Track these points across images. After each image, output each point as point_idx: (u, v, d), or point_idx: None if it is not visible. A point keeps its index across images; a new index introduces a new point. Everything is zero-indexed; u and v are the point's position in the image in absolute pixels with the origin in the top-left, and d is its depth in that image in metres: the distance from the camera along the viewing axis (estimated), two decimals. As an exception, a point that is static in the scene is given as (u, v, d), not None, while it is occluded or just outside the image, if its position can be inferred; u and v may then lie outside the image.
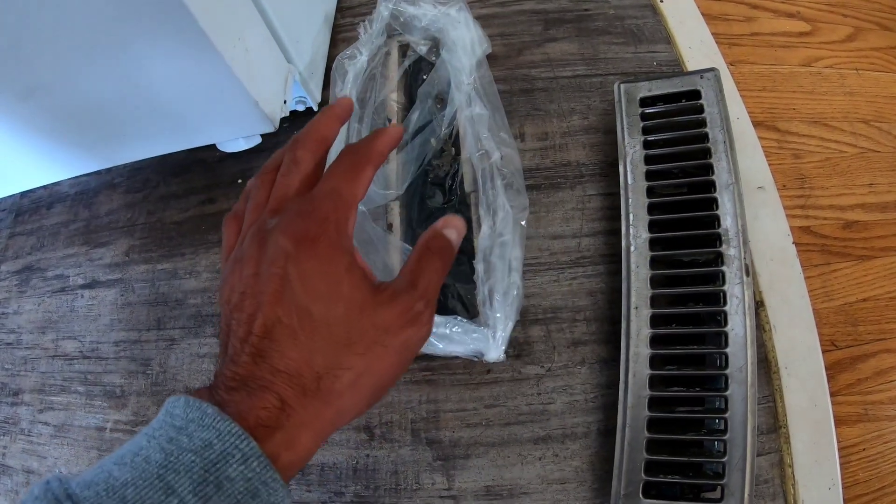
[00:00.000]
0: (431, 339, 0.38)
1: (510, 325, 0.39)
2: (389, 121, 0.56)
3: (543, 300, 0.49)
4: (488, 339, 0.38)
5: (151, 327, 0.56)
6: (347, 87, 0.52)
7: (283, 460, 0.22)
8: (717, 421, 0.44)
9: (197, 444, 0.20)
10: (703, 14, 0.66)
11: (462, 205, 0.51)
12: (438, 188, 0.50)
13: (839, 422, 0.52)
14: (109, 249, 0.61)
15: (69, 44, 0.43)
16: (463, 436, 0.47)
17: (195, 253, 0.58)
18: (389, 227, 0.47)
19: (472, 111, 0.48)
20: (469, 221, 0.50)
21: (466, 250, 0.49)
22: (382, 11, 0.59)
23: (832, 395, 0.51)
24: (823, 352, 0.52)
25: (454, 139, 0.52)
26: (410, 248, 0.44)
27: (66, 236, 0.64)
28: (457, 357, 0.48)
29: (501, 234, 0.41)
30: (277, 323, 0.23)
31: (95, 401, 0.55)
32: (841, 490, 0.47)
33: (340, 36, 0.67)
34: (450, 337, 0.38)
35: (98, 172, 0.66)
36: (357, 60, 0.54)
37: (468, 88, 0.51)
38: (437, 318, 0.39)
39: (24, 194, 0.69)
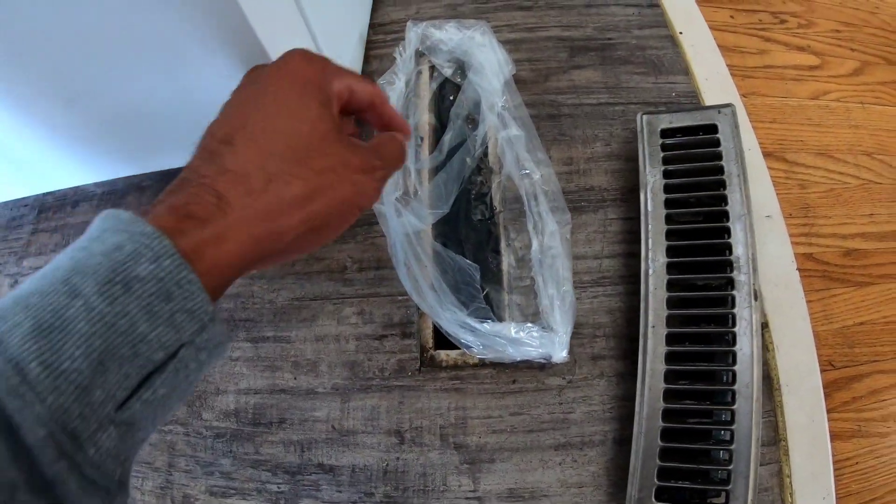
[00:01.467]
0: (506, 344, 0.43)
1: (569, 328, 0.44)
2: (422, 139, 0.60)
3: (566, 316, 0.54)
4: (554, 343, 0.43)
5: (190, 329, 0.60)
6: None
7: (207, 258, 0.21)
8: (723, 432, 0.49)
9: (108, 247, 0.19)
10: (718, 46, 0.70)
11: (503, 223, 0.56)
12: (481, 203, 0.55)
13: (834, 437, 0.56)
14: None
15: (120, 51, 0.42)
16: (489, 441, 0.51)
17: (233, 259, 0.62)
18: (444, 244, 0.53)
19: (508, 133, 0.53)
20: (495, 238, 0.54)
21: (494, 261, 0.53)
22: (412, 37, 0.63)
23: (828, 411, 0.56)
24: (822, 371, 0.57)
25: (489, 155, 0.57)
26: (467, 261, 0.49)
27: (98, 237, 0.67)
28: (484, 366, 0.52)
29: (551, 248, 0.46)
30: (240, 128, 0.24)
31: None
32: (835, 501, 0.51)
33: (372, 53, 0.70)
34: (521, 341, 0.44)
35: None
36: (396, 86, 0.58)
37: (500, 110, 0.56)
38: (509, 326, 0.44)
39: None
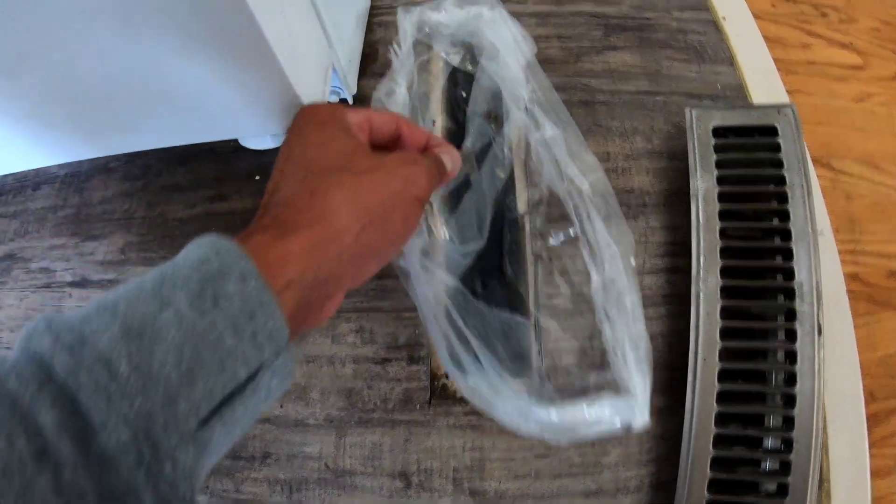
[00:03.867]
0: (582, 428, 0.32)
1: (648, 382, 0.33)
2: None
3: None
4: (633, 409, 0.32)
5: (152, 340, 0.48)
6: None
7: (279, 278, 0.21)
8: (778, 485, 0.41)
9: (194, 260, 0.19)
10: (762, 36, 0.60)
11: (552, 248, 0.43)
12: (518, 226, 0.41)
13: (872, 474, 0.50)
14: (102, 244, 0.51)
15: (67, 7, 0.33)
16: (510, 487, 0.42)
17: (205, 258, 0.50)
18: (473, 292, 0.39)
19: (542, 133, 0.41)
20: (537, 269, 0.41)
21: (515, 292, 0.42)
22: (406, 27, 0.47)
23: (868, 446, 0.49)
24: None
25: (525, 165, 0.43)
26: (517, 318, 0.36)
27: (53, 224, 0.53)
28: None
29: (614, 280, 0.35)
30: (282, 178, 0.25)
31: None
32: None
33: (377, 20, 0.58)
34: (598, 420, 0.32)
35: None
36: (396, 95, 0.44)
37: (528, 103, 0.43)
38: (581, 408, 0.32)
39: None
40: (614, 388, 0.33)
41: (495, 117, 0.46)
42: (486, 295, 0.37)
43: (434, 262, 0.34)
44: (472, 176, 0.42)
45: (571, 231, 0.38)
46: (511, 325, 0.35)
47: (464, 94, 0.48)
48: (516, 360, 0.35)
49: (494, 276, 0.39)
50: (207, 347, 0.18)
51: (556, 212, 0.40)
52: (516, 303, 0.39)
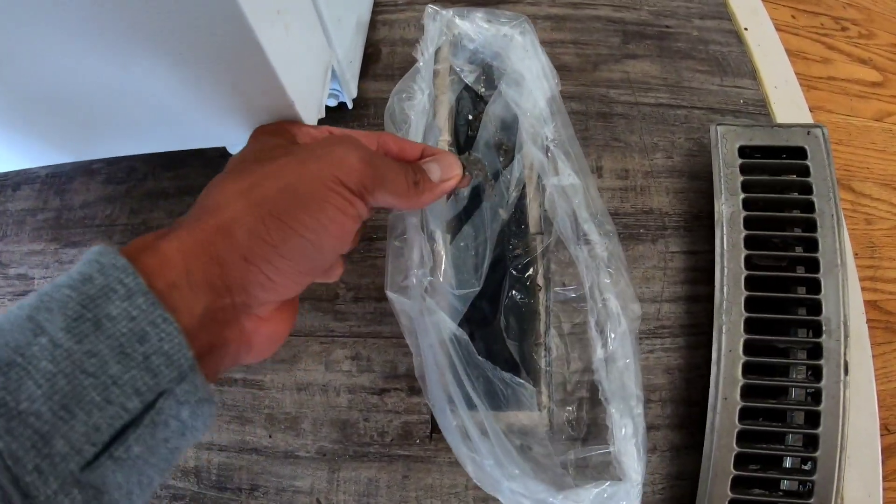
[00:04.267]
0: None
1: (643, 466, 0.30)
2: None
3: (616, 375, 0.41)
4: (630, 495, 0.29)
5: (130, 360, 0.44)
6: (415, 140, 0.37)
7: (159, 280, 0.18)
8: (797, 531, 0.38)
9: (75, 278, 0.17)
10: (784, 48, 0.57)
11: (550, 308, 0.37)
12: (521, 277, 0.36)
13: (884, 509, 0.48)
14: (82, 251, 0.46)
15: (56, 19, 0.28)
16: (515, 529, 0.39)
17: (191, 271, 0.45)
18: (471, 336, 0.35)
19: (560, 181, 0.36)
20: (537, 329, 0.35)
21: (536, 361, 0.36)
22: (432, 30, 0.42)
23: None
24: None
25: (532, 207, 0.37)
26: (514, 376, 0.33)
27: (32, 227, 0.49)
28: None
29: (617, 356, 0.31)
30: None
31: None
32: None
33: (381, 17, 0.53)
34: None
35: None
36: (417, 101, 0.39)
37: (550, 144, 0.38)
38: (590, 490, 0.29)
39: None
40: (609, 466, 0.31)
41: (505, 150, 0.41)
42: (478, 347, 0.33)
43: (436, 303, 0.31)
44: (470, 208, 0.38)
45: (580, 290, 0.34)
46: (513, 387, 0.31)
47: (470, 117, 0.44)
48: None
49: (485, 328, 0.35)
50: (87, 377, 0.16)
51: (563, 259, 0.36)
52: (511, 362, 0.35)
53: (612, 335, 0.32)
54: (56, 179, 0.50)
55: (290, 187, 0.21)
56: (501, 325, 0.35)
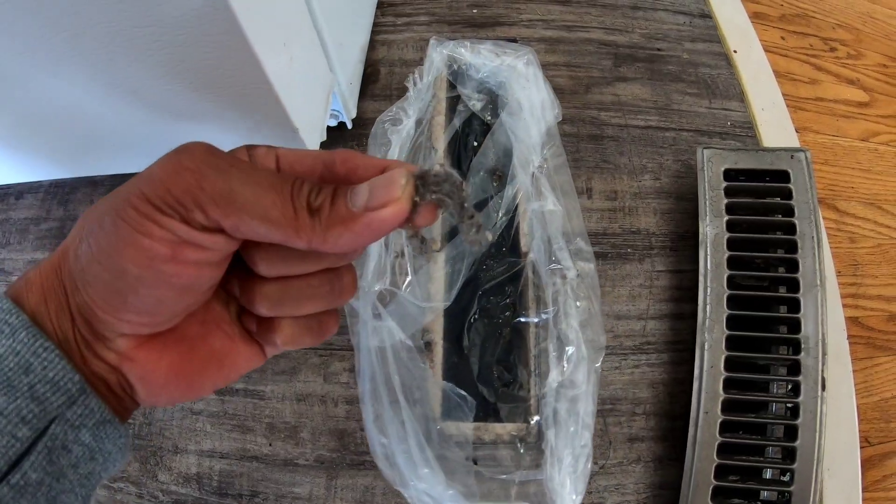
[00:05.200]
0: None
1: (579, 500, 0.31)
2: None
3: (603, 389, 0.43)
4: None
5: (137, 369, 0.45)
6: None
7: (28, 307, 0.18)
8: (775, 540, 0.40)
9: None
10: (772, 70, 0.59)
11: (518, 329, 0.38)
12: (494, 299, 0.38)
13: (863, 519, 0.49)
14: None
15: (48, 29, 0.30)
16: (504, 536, 0.40)
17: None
18: (428, 346, 0.35)
19: (542, 205, 0.38)
20: (525, 353, 0.37)
21: (500, 382, 0.38)
22: (434, 58, 0.44)
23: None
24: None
25: (514, 232, 0.40)
26: (455, 387, 0.34)
27: (35, 236, 0.51)
28: (504, 444, 0.40)
29: (574, 385, 0.32)
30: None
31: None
32: None
33: (380, 38, 0.55)
34: None
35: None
36: (403, 126, 0.40)
37: (536, 170, 0.40)
38: None
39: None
40: (540, 494, 0.32)
41: (499, 176, 0.43)
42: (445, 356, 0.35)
43: (388, 307, 0.32)
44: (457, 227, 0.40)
45: (544, 315, 0.35)
46: (456, 399, 0.33)
47: (475, 144, 0.45)
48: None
49: (451, 340, 0.37)
50: None
51: (537, 283, 0.37)
52: (461, 377, 0.37)
53: (568, 363, 0.33)
54: (59, 190, 0.52)
55: (102, 204, 0.18)
56: (465, 341, 0.36)
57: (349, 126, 0.49)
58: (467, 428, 0.37)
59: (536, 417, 0.37)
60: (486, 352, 0.37)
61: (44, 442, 0.17)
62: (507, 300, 0.37)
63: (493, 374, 0.36)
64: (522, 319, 0.36)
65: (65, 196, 0.52)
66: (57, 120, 0.38)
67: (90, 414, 0.18)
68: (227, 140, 0.39)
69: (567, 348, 0.33)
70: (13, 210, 0.53)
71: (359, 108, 0.50)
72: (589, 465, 0.32)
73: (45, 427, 0.17)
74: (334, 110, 0.48)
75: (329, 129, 0.49)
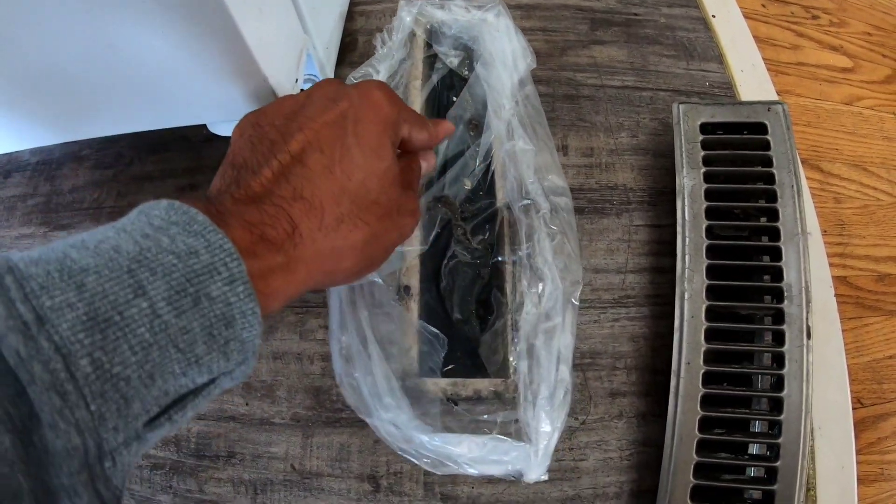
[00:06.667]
0: (463, 462, 0.29)
1: (556, 435, 0.30)
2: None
3: (582, 343, 0.41)
4: (528, 458, 0.29)
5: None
6: None
7: (272, 287, 0.19)
8: (763, 493, 0.38)
9: (181, 247, 0.16)
10: (752, 35, 0.58)
11: (496, 268, 0.38)
12: (474, 240, 0.37)
13: (858, 480, 0.47)
14: (71, 234, 0.48)
15: None
16: (483, 492, 0.39)
17: (174, 249, 0.46)
18: (406, 290, 0.34)
19: (514, 145, 0.37)
20: (502, 290, 0.36)
21: (477, 324, 0.37)
22: (404, 17, 0.44)
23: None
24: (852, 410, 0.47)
25: (491, 177, 0.39)
26: (432, 328, 0.33)
27: (22, 212, 0.50)
28: (481, 400, 0.39)
29: (549, 317, 0.31)
30: (317, 150, 0.21)
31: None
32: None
33: (359, 9, 0.55)
34: (482, 459, 0.29)
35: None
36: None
37: (508, 114, 0.39)
38: (470, 439, 0.29)
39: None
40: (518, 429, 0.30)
41: (476, 125, 0.42)
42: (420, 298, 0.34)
43: None
44: (439, 178, 0.39)
45: (519, 254, 0.34)
46: (433, 340, 0.32)
47: (454, 99, 0.44)
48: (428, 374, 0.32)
49: (427, 284, 0.36)
50: (176, 352, 0.16)
51: (512, 222, 0.36)
52: (437, 319, 0.36)
53: (543, 297, 0.32)
54: (46, 167, 0.52)
55: (379, 253, 0.24)
56: (442, 284, 0.35)
57: (326, 92, 0.49)
58: (444, 384, 0.36)
59: (515, 368, 0.36)
60: (464, 294, 0.36)
61: (209, 388, 0.18)
62: (484, 241, 0.36)
63: (471, 315, 0.35)
64: (500, 258, 0.35)
65: (51, 172, 0.52)
66: (33, 80, 0.38)
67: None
68: (205, 92, 0.39)
69: (541, 283, 0.32)
70: (1, 189, 0.53)
71: (337, 74, 0.50)
72: (568, 400, 0.30)
73: (216, 377, 0.18)
74: (311, 74, 0.47)
75: (306, 95, 0.48)
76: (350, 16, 0.53)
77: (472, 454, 0.28)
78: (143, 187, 0.49)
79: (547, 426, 0.29)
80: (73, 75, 0.37)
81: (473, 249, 0.36)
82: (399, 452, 0.29)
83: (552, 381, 0.30)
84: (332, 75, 0.48)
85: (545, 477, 0.28)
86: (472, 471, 0.28)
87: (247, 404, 0.41)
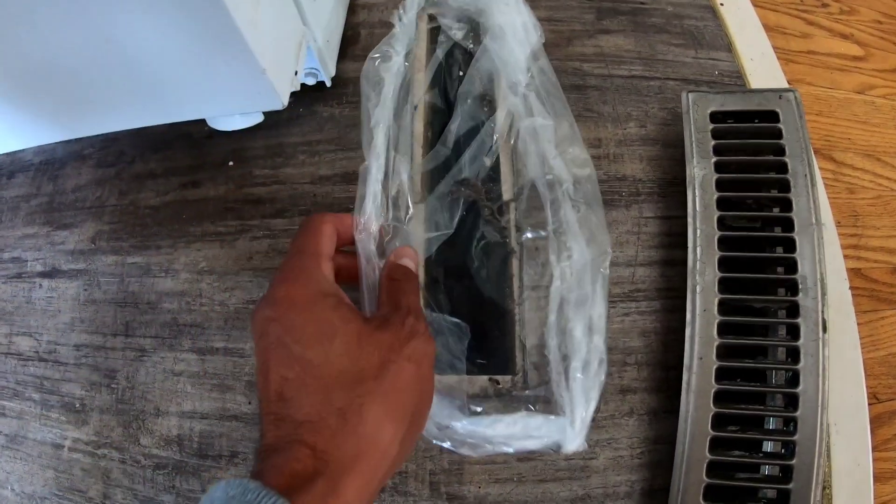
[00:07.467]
0: (498, 442, 0.28)
1: (592, 405, 0.28)
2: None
3: (591, 338, 0.40)
4: (564, 430, 0.28)
5: (118, 332, 0.44)
6: (387, 100, 0.37)
7: None
8: (778, 492, 0.37)
9: None
10: (761, 24, 0.56)
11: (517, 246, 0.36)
12: (497, 223, 0.36)
13: (875, 478, 0.45)
14: (73, 233, 0.47)
15: None
16: (490, 492, 0.38)
17: (173, 247, 0.45)
18: (435, 281, 0.34)
19: (533, 122, 0.36)
20: (510, 254, 0.35)
21: (498, 298, 0.36)
22: None
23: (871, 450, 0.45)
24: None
25: (511, 151, 0.38)
26: (452, 318, 0.32)
27: (26, 212, 0.50)
28: (487, 397, 0.38)
29: (579, 287, 0.30)
30: (284, 382, 0.22)
31: (52, 412, 0.43)
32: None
33: (361, 1, 0.54)
34: (518, 435, 0.28)
35: (66, 140, 0.51)
36: (393, 62, 0.38)
37: (525, 90, 0.38)
38: (504, 418, 0.28)
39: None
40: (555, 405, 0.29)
41: (489, 101, 0.41)
42: (443, 289, 0.33)
43: (390, 246, 0.30)
44: (454, 158, 0.38)
45: (545, 230, 0.32)
46: (454, 329, 0.30)
47: (461, 74, 0.43)
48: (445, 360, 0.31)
49: (454, 268, 0.34)
50: None
51: (537, 205, 0.35)
52: (471, 305, 0.34)
53: (571, 269, 0.30)
54: (49, 166, 0.51)
55: (410, 395, 0.23)
56: (473, 268, 0.34)
57: (328, 84, 0.47)
58: (451, 381, 0.35)
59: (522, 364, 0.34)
60: (489, 275, 0.35)
61: None
62: (508, 220, 0.35)
63: (495, 297, 0.34)
64: (529, 235, 0.34)
65: (54, 172, 0.51)
66: (33, 77, 0.37)
67: None
68: (202, 86, 0.38)
69: (569, 254, 0.31)
70: (4, 189, 0.52)
71: (339, 68, 0.49)
72: (604, 368, 0.29)
73: None
74: (313, 68, 0.46)
75: (309, 87, 0.47)
76: (352, 9, 0.52)
77: (507, 431, 0.27)
78: (145, 185, 0.48)
79: (581, 396, 0.28)
80: (71, 70, 0.36)
81: (502, 228, 0.35)
82: (434, 441, 0.28)
83: (585, 351, 0.29)
84: (333, 69, 0.47)
85: (585, 447, 0.28)
86: (508, 449, 0.27)
87: (249, 403, 0.40)
